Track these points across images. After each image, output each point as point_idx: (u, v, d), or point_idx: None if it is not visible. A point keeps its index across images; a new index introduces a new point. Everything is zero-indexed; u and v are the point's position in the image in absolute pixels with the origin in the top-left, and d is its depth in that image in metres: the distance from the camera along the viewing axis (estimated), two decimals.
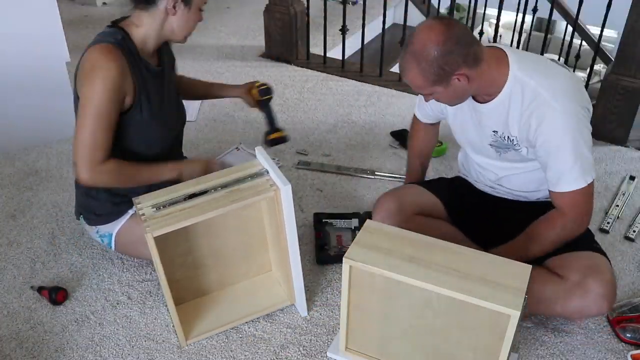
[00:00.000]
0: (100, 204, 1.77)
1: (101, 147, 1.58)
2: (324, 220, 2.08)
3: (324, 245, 1.98)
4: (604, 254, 1.65)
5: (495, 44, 1.62)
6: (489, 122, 1.62)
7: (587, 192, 1.55)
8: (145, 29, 1.64)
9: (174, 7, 1.60)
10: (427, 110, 1.86)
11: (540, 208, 1.66)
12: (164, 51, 1.78)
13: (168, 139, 1.80)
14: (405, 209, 1.76)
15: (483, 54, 1.49)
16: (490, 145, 1.67)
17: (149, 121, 1.68)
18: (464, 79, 1.48)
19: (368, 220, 1.52)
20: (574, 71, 3.37)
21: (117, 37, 1.60)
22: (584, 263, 1.58)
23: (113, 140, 1.61)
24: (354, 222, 2.07)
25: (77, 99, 1.63)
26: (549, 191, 1.59)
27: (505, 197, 1.79)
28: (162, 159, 1.75)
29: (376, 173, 2.37)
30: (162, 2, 1.59)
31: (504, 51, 1.54)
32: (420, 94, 1.62)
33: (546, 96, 1.48)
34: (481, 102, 1.60)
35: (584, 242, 1.66)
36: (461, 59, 1.44)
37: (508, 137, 1.60)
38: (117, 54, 1.56)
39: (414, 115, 1.97)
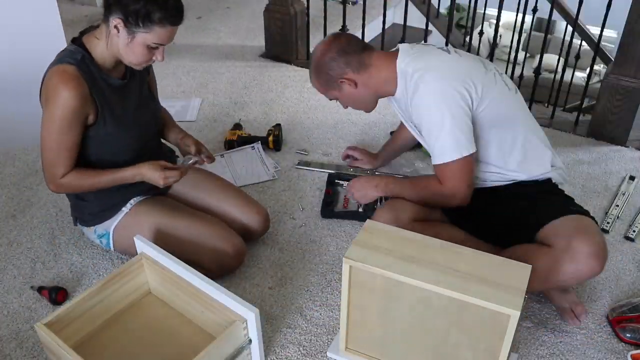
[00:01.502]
0: (90, 204, 1.79)
1: (62, 165, 1.64)
2: (336, 181, 2.30)
3: (330, 202, 2.19)
4: (586, 213, 1.66)
5: (402, 45, 1.77)
6: (406, 115, 1.82)
7: (456, 167, 1.66)
8: (103, 42, 1.61)
9: (116, 27, 1.54)
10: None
11: (509, 190, 1.77)
12: None
13: (137, 146, 1.78)
14: (401, 218, 1.76)
15: (371, 59, 1.73)
16: (419, 135, 1.83)
17: (113, 134, 1.69)
18: (352, 83, 1.74)
19: (368, 220, 1.52)
20: (573, 71, 3.40)
21: (77, 57, 1.59)
22: (569, 226, 1.59)
23: (78, 152, 1.66)
24: None
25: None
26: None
27: (483, 185, 1.82)
28: (133, 163, 1.73)
29: (376, 172, 2.37)
30: (112, 19, 1.54)
31: (399, 50, 1.74)
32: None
33: (416, 77, 1.65)
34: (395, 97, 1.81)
35: (563, 206, 1.69)
36: (343, 65, 1.72)
37: (416, 125, 1.77)
38: (75, 80, 1.56)
39: None
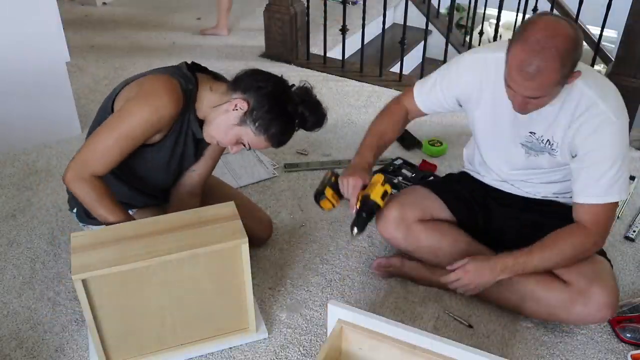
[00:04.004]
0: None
1: (103, 164, 1.53)
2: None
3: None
4: (604, 254, 1.66)
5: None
6: (531, 122, 1.57)
7: (612, 210, 1.53)
8: (213, 98, 1.59)
9: (236, 107, 1.53)
10: (437, 93, 1.74)
11: (544, 205, 1.67)
12: None
13: (153, 186, 1.77)
14: (407, 217, 1.75)
15: None
16: (522, 144, 1.64)
17: (154, 164, 1.67)
18: (574, 79, 1.41)
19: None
20: None
21: (189, 86, 1.57)
22: (588, 268, 1.57)
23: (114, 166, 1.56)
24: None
25: (106, 110, 1.60)
26: (576, 203, 1.55)
27: (512, 192, 1.78)
28: (140, 192, 1.74)
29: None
30: (239, 97, 1.54)
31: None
32: (527, 98, 1.42)
33: (603, 108, 1.45)
34: None
35: None
36: (580, 58, 1.39)
37: (549, 140, 1.57)
38: (180, 96, 1.54)
39: (401, 98, 1.84)
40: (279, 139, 1.59)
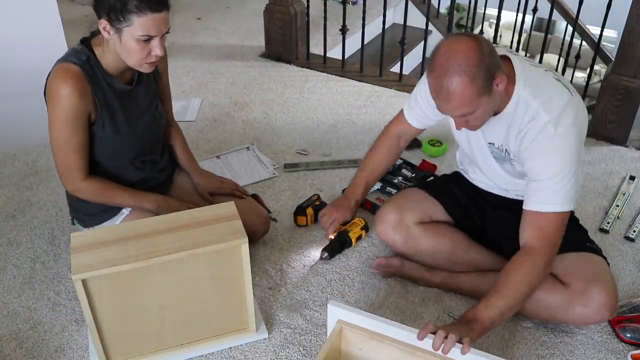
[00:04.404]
0: (90, 205, 1.77)
1: (77, 168, 1.65)
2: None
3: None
4: (600, 253, 1.66)
5: (502, 51, 1.54)
6: (489, 133, 1.60)
7: (556, 222, 1.48)
8: (103, 48, 1.62)
9: (105, 29, 1.54)
10: (421, 107, 1.77)
11: None
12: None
13: (135, 151, 1.77)
14: (405, 220, 1.77)
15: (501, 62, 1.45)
16: (491, 154, 1.66)
17: (111, 137, 1.68)
18: (502, 82, 1.42)
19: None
20: (573, 71, 3.40)
21: (81, 57, 1.59)
22: (588, 269, 1.58)
23: (87, 153, 1.66)
24: None
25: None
26: (524, 210, 1.52)
27: (504, 195, 1.79)
28: (132, 168, 1.77)
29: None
30: (100, 23, 1.54)
31: (511, 63, 1.50)
32: (460, 117, 1.45)
33: (545, 119, 1.45)
34: None
35: (580, 241, 1.67)
36: (497, 63, 1.41)
37: (506, 150, 1.59)
38: (76, 78, 1.56)
39: (390, 126, 1.91)
40: (140, 1, 1.50)
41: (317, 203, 2.11)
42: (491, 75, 1.39)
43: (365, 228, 2.00)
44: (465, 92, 1.36)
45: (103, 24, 1.53)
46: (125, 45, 1.55)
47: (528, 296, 1.49)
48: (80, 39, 1.66)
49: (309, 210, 2.07)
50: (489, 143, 1.63)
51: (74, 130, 1.60)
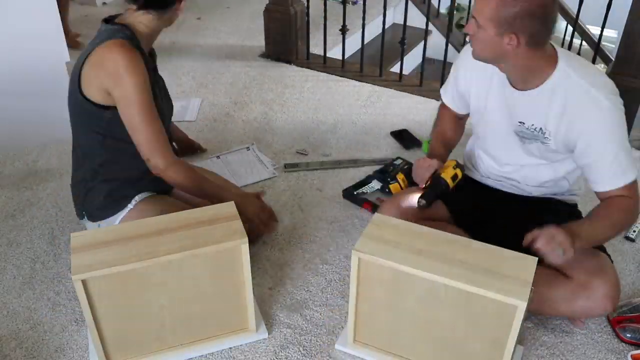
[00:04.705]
0: (99, 196, 1.78)
1: (167, 141, 1.69)
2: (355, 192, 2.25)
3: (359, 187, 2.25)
4: (604, 250, 1.67)
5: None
6: (521, 111, 1.60)
7: (635, 186, 1.56)
8: (152, 29, 1.68)
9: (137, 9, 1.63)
10: (452, 92, 1.82)
11: (543, 205, 1.68)
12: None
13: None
14: (406, 217, 1.76)
15: (546, 44, 1.49)
16: (515, 133, 1.65)
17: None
18: (514, 43, 1.43)
19: (376, 214, 1.54)
20: None
21: (126, 33, 1.63)
22: (590, 263, 1.59)
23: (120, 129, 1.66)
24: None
25: (74, 94, 1.67)
26: (598, 192, 1.59)
27: (510, 191, 1.79)
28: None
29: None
30: (174, 4, 1.65)
31: (552, 45, 1.54)
32: (472, 21, 1.48)
33: (596, 94, 1.48)
34: (518, 89, 1.58)
35: None
36: (531, 29, 1.41)
37: (541, 129, 1.58)
38: (135, 50, 1.61)
39: (440, 102, 1.93)
40: None
41: (406, 167, 2.02)
42: (509, 25, 1.40)
43: (460, 166, 1.76)
44: (490, 3, 1.40)
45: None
46: (159, 24, 1.67)
47: (617, 231, 1.59)
48: (103, 19, 1.68)
49: (400, 176, 1.97)
50: (519, 122, 1.62)
51: (151, 99, 1.63)
